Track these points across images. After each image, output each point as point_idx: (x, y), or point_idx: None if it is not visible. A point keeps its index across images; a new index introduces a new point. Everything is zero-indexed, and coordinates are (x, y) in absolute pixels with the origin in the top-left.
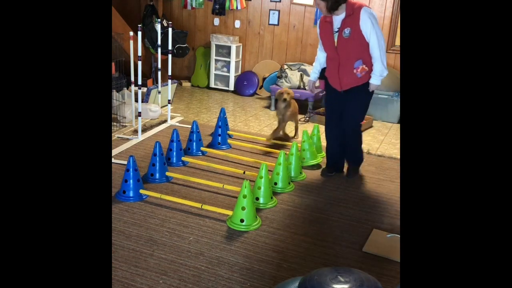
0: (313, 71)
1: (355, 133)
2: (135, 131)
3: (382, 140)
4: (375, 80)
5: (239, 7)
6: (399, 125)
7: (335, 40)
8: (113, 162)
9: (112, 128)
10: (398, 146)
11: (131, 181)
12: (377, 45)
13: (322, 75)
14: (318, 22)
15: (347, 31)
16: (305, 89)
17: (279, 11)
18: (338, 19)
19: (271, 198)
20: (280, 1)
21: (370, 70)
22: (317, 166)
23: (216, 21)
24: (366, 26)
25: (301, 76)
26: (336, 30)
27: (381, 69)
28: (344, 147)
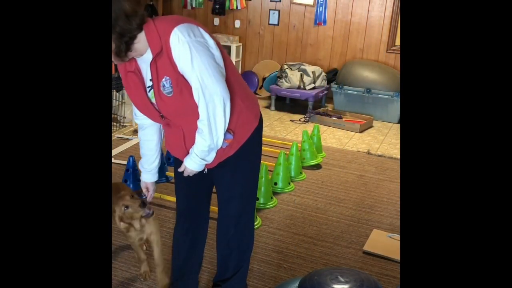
0: (142, 166)
1: (242, 228)
2: (135, 131)
3: (382, 140)
4: (190, 163)
5: (239, 7)
6: (399, 125)
7: (153, 102)
8: (113, 162)
9: (112, 128)
10: (398, 146)
11: (130, 181)
12: (200, 91)
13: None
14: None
15: (166, 83)
16: (305, 89)
17: (279, 11)
18: (145, 62)
19: (271, 198)
20: (280, 1)
21: (242, 129)
22: (317, 166)
23: (216, 21)
24: (183, 60)
25: (301, 76)
26: (149, 86)
27: (210, 143)
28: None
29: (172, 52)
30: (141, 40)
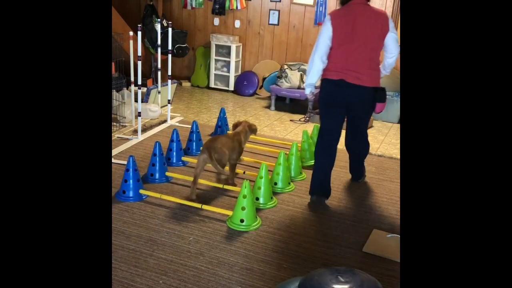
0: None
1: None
2: (135, 131)
3: (382, 140)
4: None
5: (239, 7)
6: (399, 125)
7: None
8: (113, 162)
9: (112, 128)
10: (398, 146)
11: (130, 181)
12: None
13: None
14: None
15: None
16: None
17: (279, 11)
18: None
19: (271, 198)
20: (280, 1)
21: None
22: None
23: (216, 21)
24: None
25: (301, 76)
26: None
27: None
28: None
29: None
30: None
